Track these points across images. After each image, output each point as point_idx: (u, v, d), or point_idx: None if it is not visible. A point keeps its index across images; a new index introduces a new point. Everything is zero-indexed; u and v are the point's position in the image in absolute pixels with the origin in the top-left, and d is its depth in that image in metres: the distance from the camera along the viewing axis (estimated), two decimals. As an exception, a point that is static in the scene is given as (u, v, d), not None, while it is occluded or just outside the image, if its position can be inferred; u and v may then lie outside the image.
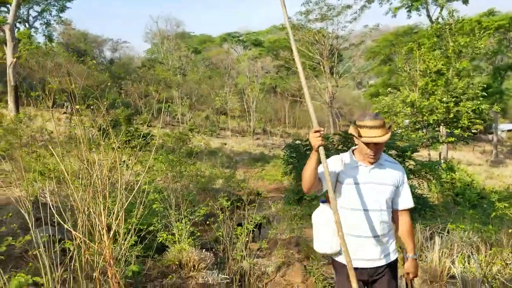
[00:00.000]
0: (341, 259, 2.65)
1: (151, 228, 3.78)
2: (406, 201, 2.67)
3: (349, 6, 29.73)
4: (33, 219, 3.47)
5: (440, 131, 14.93)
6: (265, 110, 42.12)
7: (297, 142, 10.04)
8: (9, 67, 21.74)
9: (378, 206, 2.58)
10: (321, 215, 2.68)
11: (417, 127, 14.76)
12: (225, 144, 29.01)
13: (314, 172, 2.49)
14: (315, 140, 2.43)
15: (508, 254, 4.67)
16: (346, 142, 8.92)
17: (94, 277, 2.92)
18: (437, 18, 20.64)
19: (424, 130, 14.87)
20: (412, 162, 8.06)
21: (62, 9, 41.73)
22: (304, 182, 2.55)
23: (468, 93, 14.14)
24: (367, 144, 2.52)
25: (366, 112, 2.63)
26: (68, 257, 2.94)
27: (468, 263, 4.46)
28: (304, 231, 6.01)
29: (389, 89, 16.64)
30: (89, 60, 49.52)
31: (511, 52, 42.16)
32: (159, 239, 3.84)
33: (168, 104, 40.31)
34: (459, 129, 14.02)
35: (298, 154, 9.23)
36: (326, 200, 2.69)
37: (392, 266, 2.66)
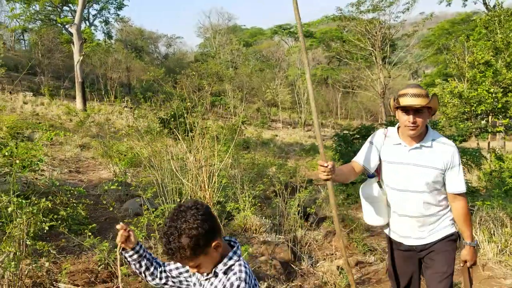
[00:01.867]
0: (391, 234, 2.70)
1: (222, 199, 4.75)
2: (454, 186, 2.48)
3: (401, -4, 29.57)
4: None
5: (488, 121, 15.03)
6: (316, 101, 42.30)
7: (345, 132, 10.77)
8: (76, 64, 23.10)
9: (418, 188, 2.49)
10: (365, 189, 2.71)
11: (465, 117, 14.94)
12: (276, 135, 29.80)
13: (348, 175, 2.62)
14: (321, 174, 2.40)
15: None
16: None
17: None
18: (494, 6, 20.29)
19: (473, 120, 15.02)
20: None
21: (120, 6, 43.30)
22: (344, 181, 2.72)
23: (516, 85, 14.18)
24: (406, 112, 2.41)
25: (409, 85, 2.56)
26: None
27: (494, 235, 5.10)
28: (349, 208, 6.83)
29: (438, 80, 16.79)
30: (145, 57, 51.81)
31: None
32: (228, 208, 4.79)
33: (220, 97, 41.56)
34: (508, 119, 14.07)
35: (345, 143, 9.96)
36: (374, 175, 2.68)
37: (442, 243, 2.56)
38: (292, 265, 4.10)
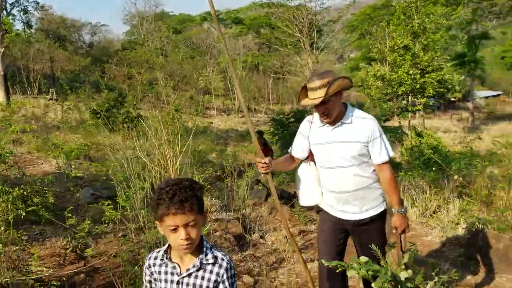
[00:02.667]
0: (326, 208, 2.84)
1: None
2: (379, 156, 2.65)
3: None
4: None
5: (408, 101, 16.42)
6: (249, 88, 42.76)
7: (281, 116, 11.37)
8: None
9: (347, 163, 2.63)
10: (301, 171, 2.84)
11: (387, 98, 16.20)
12: (212, 123, 30.06)
13: (285, 165, 2.90)
14: (260, 170, 2.65)
15: (449, 193, 6.04)
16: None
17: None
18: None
19: (394, 101, 16.33)
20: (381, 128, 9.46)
21: None
22: (284, 171, 3.17)
23: (432, 65, 15.61)
24: (315, 105, 2.58)
25: (315, 72, 2.99)
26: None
27: (416, 201, 5.86)
28: (289, 186, 7.41)
29: (362, 64, 18.01)
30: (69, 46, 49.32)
31: (485, 22, 43.66)
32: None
33: (152, 86, 40.79)
34: (425, 98, 15.50)
35: (282, 126, 10.55)
36: (308, 158, 2.84)
37: (375, 220, 2.71)
38: (245, 236, 4.54)
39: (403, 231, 2.70)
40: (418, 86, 15.13)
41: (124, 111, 18.39)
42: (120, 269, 3.21)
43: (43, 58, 40.75)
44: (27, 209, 2.99)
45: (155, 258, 1.72)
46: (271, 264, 4.01)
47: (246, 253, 4.24)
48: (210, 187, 5.86)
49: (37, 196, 3.54)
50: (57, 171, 7.29)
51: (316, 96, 2.53)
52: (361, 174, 2.65)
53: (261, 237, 4.76)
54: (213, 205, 5.24)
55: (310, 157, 2.83)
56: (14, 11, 51.60)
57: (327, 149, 2.67)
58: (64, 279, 3.03)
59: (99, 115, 16.39)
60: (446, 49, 42.49)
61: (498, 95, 61.12)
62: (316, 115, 2.75)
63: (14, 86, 32.03)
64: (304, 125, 2.84)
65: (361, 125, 2.62)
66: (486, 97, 59.32)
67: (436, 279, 2.45)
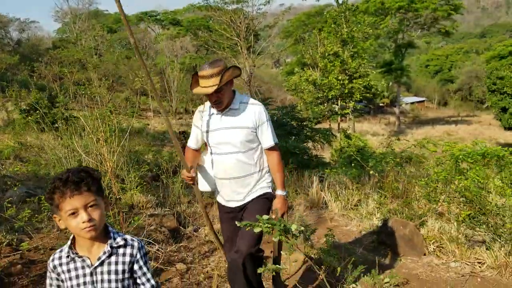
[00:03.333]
0: (218, 198, 2.97)
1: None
2: (266, 141, 2.76)
3: (262, -12, 31.23)
4: None
5: (338, 105, 17.38)
6: (186, 89, 42.61)
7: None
8: None
9: (233, 149, 2.70)
10: (200, 159, 2.99)
11: (319, 102, 17.05)
12: (148, 124, 29.65)
13: (196, 159, 2.95)
14: (188, 182, 2.83)
15: (370, 189, 6.62)
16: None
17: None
18: (342, 3, 23.08)
19: (325, 104, 17.21)
20: (309, 129, 10.04)
21: None
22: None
23: (359, 71, 16.66)
24: (207, 94, 2.64)
25: (208, 61, 2.75)
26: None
27: (339, 196, 6.38)
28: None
29: (296, 69, 18.83)
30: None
31: (410, 31, 46.58)
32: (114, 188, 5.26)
33: (85, 87, 39.46)
34: (353, 102, 16.52)
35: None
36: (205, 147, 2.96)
37: (256, 199, 2.81)
38: (180, 229, 4.78)
39: (282, 215, 2.77)
40: (346, 90, 16.09)
41: (56, 111, 17.82)
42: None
43: None
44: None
45: (60, 258, 1.62)
46: (203, 253, 4.29)
47: (180, 244, 4.48)
48: (146, 185, 6.02)
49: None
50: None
51: (208, 84, 2.58)
52: (246, 161, 2.73)
53: (195, 230, 5.01)
54: (148, 202, 5.41)
55: (206, 146, 2.91)
56: None
57: (216, 135, 2.74)
58: (0, 269, 3.13)
59: (28, 115, 15.80)
60: (375, 57, 45.02)
61: (423, 101, 65.17)
62: (206, 104, 2.84)
63: None
64: (196, 116, 2.92)
65: (249, 110, 2.72)
66: (412, 103, 63.03)
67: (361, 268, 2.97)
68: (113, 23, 57.71)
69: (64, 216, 1.52)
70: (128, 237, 1.66)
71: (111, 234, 1.63)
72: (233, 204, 2.85)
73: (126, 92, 42.07)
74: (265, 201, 2.80)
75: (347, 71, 16.28)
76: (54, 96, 23.53)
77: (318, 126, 16.30)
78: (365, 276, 3.48)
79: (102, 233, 1.60)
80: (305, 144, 9.43)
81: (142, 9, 59.25)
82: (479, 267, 3.85)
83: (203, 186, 2.96)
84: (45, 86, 38.39)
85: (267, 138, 2.76)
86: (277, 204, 2.76)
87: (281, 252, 3.11)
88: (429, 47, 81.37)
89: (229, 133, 2.70)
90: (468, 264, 3.94)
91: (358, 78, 16.45)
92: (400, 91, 50.19)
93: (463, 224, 4.25)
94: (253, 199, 2.80)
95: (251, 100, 2.79)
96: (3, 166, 7.32)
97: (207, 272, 3.82)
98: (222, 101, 2.65)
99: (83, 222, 1.50)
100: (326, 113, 16.33)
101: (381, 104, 58.03)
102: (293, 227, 2.03)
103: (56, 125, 15.03)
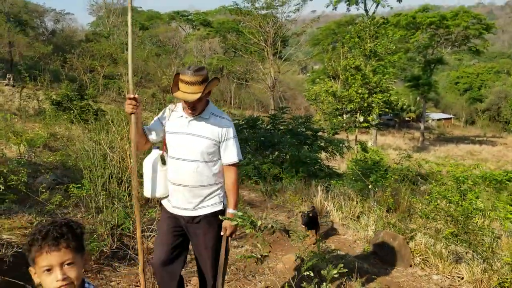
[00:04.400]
0: (164, 202, 2.84)
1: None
2: (229, 157, 2.75)
3: (293, -4, 31.81)
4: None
5: (357, 117, 17.66)
6: (212, 91, 43.13)
7: (235, 121, 12.11)
8: None
9: (193, 157, 2.66)
10: (149, 161, 2.81)
11: (338, 113, 17.37)
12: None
13: (141, 138, 2.75)
14: (128, 107, 2.58)
15: (373, 203, 6.95)
16: (275, 123, 11.11)
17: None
18: (373, 13, 23.34)
19: (344, 116, 17.52)
20: (323, 140, 10.41)
21: None
22: (137, 141, 2.74)
23: (380, 86, 16.91)
24: (186, 100, 2.60)
25: (190, 65, 2.73)
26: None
27: (342, 207, 6.73)
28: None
29: (317, 79, 19.21)
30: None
31: (440, 47, 46.25)
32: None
33: (114, 81, 40.41)
34: (372, 116, 16.78)
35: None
36: (158, 147, 2.85)
37: (209, 218, 2.74)
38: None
39: (231, 234, 2.79)
40: (365, 104, 16.37)
41: (85, 104, 18.45)
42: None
43: (2, 42, 39.49)
44: (8, 184, 3.55)
45: None
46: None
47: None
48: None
49: (13, 175, 4.11)
50: (19, 157, 7.70)
51: (189, 91, 2.56)
52: (204, 172, 2.69)
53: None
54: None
55: (164, 147, 2.83)
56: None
57: (179, 139, 2.70)
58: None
59: (58, 106, 16.50)
60: (404, 70, 44.87)
61: (450, 118, 64.40)
62: (179, 106, 2.79)
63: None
64: (165, 112, 2.83)
65: (218, 123, 2.72)
66: (438, 119, 62.35)
67: (340, 265, 3.30)
68: (146, 20, 58.81)
69: (39, 271, 1.47)
70: None
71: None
72: (180, 213, 2.76)
73: (153, 88, 42.92)
74: (216, 221, 2.75)
75: (367, 85, 16.58)
76: (84, 88, 24.35)
77: (336, 136, 16.62)
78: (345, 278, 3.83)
79: None
80: (317, 154, 9.80)
81: (175, 8, 60.02)
82: (458, 281, 4.18)
83: (152, 190, 2.80)
84: (76, 77, 39.64)
85: (231, 153, 2.76)
86: (226, 222, 2.73)
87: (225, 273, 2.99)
88: (460, 64, 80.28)
89: (192, 140, 2.68)
90: (448, 278, 4.27)
91: (379, 92, 16.72)
92: (426, 107, 49.83)
93: (446, 240, 4.57)
94: (205, 216, 2.74)
95: (222, 114, 2.82)
96: (35, 154, 7.92)
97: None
98: (197, 108, 2.67)
99: (57, 281, 1.44)
100: (345, 124, 16.65)
101: (407, 118, 57.66)
102: (259, 223, 2.45)
103: (85, 116, 15.75)
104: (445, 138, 51.01)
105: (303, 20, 40.74)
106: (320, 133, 10.52)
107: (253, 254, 3.61)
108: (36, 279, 1.51)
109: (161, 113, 2.83)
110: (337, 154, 10.86)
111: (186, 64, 42.57)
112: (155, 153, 2.82)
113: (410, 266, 4.62)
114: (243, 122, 11.02)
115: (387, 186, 6.33)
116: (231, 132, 2.75)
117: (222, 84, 47.30)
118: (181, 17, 55.16)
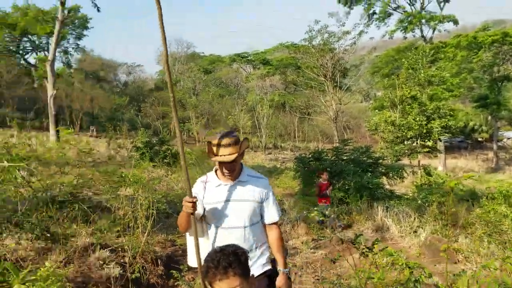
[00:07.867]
0: None
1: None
2: (271, 216, 2.78)
3: (348, 32, 32.94)
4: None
5: (417, 144, 18.48)
6: (275, 126, 43.61)
7: (303, 155, 13.55)
8: (50, 99, 22.94)
9: (241, 223, 2.67)
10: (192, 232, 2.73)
11: (398, 141, 18.31)
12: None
13: (186, 222, 2.61)
14: (186, 207, 2.51)
15: (428, 219, 8.04)
16: (338, 154, 12.46)
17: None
18: (431, 38, 23.99)
19: (405, 143, 18.42)
20: (383, 167, 11.60)
21: (79, 36, 43.65)
22: (180, 227, 2.71)
23: (437, 113, 17.76)
24: (220, 162, 2.61)
25: (222, 131, 2.74)
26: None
27: (401, 222, 7.90)
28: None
29: (376, 111, 20.27)
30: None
31: (506, 65, 45.07)
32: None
33: (183, 124, 42.88)
34: (431, 141, 17.56)
35: (303, 164, 12.73)
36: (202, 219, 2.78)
37: (259, 278, 2.69)
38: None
39: None
40: (424, 131, 17.25)
41: (165, 148, 20.38)
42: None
43: (85, 98, 43.32)
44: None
45: None
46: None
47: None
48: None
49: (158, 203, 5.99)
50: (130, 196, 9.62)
51: (226, 152, 2.59)
52: (251, 236, 2.70)
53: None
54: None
55: (202, 219, 2.76)
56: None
57: (224, 207, 2.68)
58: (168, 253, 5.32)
59: (143, 152, 18.55)
60: (472, 89, 44.05)
61: (528, 136, 61.04)
62: (210, 175, 2.80)
63: (58, 124, 34.84)
64: (198, 186, 2.80)
65: (256, 184, 2.75)
66: (514, 138, 59.44)
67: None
68: (208, 65, 61.66)
69: None
70: None
71: None
72: None
73: (220, 128, 44.98)
74: (267, 278, 2.77)
75: (425, 112, 17.51)
76: (158, 133, 26.65)
77: (399, 163, 17.50)
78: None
79: None
80: (379, 179, 10.97)
81: (235, 51, 62.65)
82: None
83: (193, 260, 2.73)
84: (150, 124, 42.86)
85: (272, 213, 2.80)
86: (279, 281, 2.75)
87: None
88: (530, 80, 76.33)
89: (237, 205, 2.69)
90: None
91: (437, 118, 17.56)
92: (498, 126, 48.11)
93: (479, 238, 5.66)
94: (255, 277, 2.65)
95: (257, 174, 2.86)
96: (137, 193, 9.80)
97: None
98: (236, 169, 2.69)
99: None
100: (406, 151, 17.57)
101: (479, 139, 55.76)
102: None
103: (166, 160, 17.73)
104: (523, 158, 48.55)
105: (362, 47, 41.21)
106: (380, 161, 11.78)
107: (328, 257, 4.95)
108: None
109: (194, 187, 2.78)
110: (398, 178, 11.94)
111: (249, 103, 44.51)
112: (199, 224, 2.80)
113: (455, 263, 5.74)
114: (310, 156, 12.40)
115: (433, 202, 7.44)
116: (270, 190, 2.82)
117: (285, 118, 48.59)
118: (241, 58, 56.92)
